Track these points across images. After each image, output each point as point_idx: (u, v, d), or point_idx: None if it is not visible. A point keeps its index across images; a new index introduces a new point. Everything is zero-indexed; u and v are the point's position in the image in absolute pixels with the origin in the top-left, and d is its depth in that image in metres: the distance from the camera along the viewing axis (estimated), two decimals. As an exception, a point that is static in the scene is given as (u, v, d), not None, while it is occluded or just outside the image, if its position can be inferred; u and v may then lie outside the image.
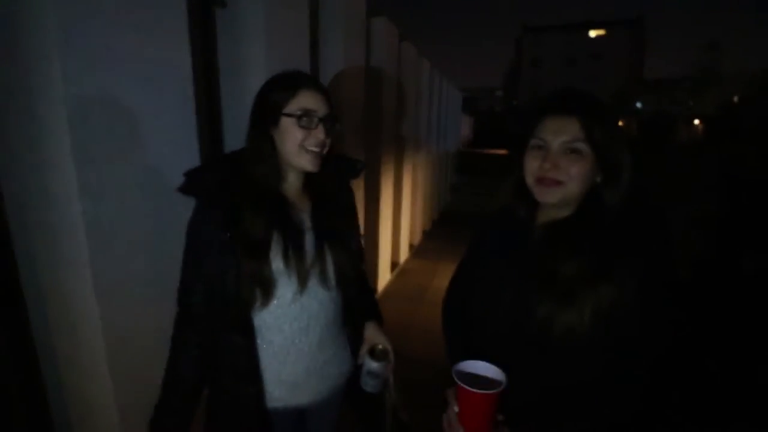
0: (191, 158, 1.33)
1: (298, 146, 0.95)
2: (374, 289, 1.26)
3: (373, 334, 1.12)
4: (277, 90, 0.96)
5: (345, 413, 1.24)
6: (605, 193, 0.81)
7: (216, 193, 0.95)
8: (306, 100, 0.95)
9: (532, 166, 0.83)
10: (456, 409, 0.78)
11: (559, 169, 0.79)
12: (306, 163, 0.97)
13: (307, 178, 1.06)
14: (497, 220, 0.99)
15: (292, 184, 1.05)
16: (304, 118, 0.94)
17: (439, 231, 6.37)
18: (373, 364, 1.04)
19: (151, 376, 1.26)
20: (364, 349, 1.09)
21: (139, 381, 1.23)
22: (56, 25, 0.92)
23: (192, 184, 0.95)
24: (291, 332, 1.02)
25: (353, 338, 1.15)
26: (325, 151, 1.00)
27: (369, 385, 1.07)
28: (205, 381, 1.04)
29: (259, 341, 1.01)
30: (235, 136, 1.68)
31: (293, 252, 0.97)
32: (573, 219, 0.84)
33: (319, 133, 0.96)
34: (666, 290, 0.77)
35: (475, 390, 0.73)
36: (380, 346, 1.08)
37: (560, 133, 0.79)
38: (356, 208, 1.19)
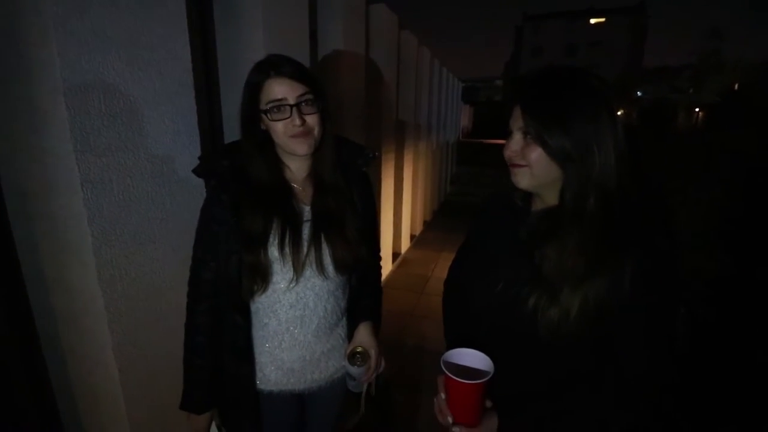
0: (192, 146, 1.32)
1: (283, 136, 0.95)
2: (380, 289, 1.21)
3: (361, 337, 1.08)
4: (249, 87, 0.95)
5: (348, 404, 1.22)
6: (565, 182, 0.77)
7: (227, 178, 0.98)
8: (272, 91, 0.92)
9: (504, 153, 0.83)
10: (444, 396, 0.79)
11: (518, 154, 0.80)
12: (297, 148, 0.96)
13: (313, 164, 1.06)
14: (495, 203, 0.99)
15: (296, 170, 1.05)
16: (274, 110, 0.92)
17: (440, 221, 6.38)
18: (350, 368, 1.04)
19: (157, 366, 1.27)
20: (348, 349, 1.07)
21: (145, 371, 1.23)
22: (53, 10, 0.91)
23: (205, 167, 1.00)
24: (286, 319, 1.02)
25: (353, 333, 1.12)
26: (316, 133, 0.97)
27: (350, 384, 1.09)
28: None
29: (255, 322, 1.03)
30: (234, 124, 1.66)
31: (289, 241, 0.98)
32: (555, 210, 0.80)
33: (296, 120, 0.92)
34: (668, 283, 0.74)
35: (460, 380, 0.74)
36: (360, 349, 1.06)
37: (515, 120, 0.80)
38: (373, 197, 1.16)
